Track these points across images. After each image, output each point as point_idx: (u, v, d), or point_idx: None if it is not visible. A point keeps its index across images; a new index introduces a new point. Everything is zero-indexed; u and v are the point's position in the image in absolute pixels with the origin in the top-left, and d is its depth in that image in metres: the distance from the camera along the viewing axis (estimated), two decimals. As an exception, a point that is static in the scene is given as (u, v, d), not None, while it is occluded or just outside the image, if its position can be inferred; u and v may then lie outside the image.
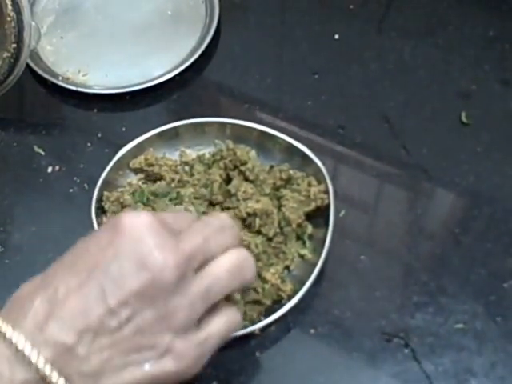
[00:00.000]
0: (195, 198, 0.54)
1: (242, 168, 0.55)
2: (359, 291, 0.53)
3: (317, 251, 0.52)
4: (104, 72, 0.66)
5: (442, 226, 0.56)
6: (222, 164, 0.56)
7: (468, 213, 0.56)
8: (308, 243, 0.54)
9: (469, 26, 0.67)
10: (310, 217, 0.54)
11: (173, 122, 0.58)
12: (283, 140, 0.57)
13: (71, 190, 0.59)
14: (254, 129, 0.58)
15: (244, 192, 0.53)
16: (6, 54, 0.60)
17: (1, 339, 0.36)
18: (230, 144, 0.56)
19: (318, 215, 0.54)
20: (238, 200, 0.53)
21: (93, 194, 0.55)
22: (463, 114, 0.60)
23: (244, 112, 0.63)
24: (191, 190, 0.54)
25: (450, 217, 0.56)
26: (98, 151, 0.61)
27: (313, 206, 0.53)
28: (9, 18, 0.59)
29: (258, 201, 0.52)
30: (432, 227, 0.56)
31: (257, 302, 0.50)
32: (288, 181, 0.55)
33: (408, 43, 0.66)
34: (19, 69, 0.61)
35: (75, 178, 0.60)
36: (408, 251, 0.54)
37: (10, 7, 0.58)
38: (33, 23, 0.61)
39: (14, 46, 0.60)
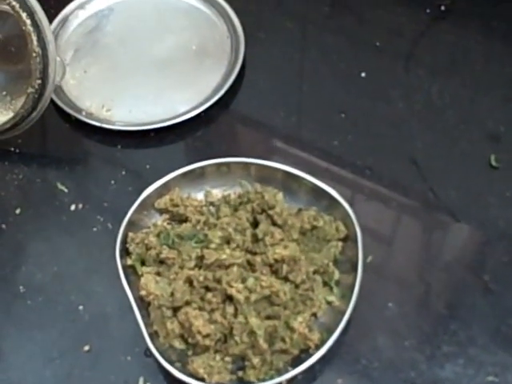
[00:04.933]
0: (226, 243, 0.53)
1: (270, 212, 0.54)
2: (387, 340, 0.52)
3: (345, 297, 0.51)
4: (128, 108, 0.65)
5: (471, 272, 0.55)
6: (249, 207, 0.55)
7: (498, 259, 0.55)
8: (335, 289, 0.53)
9: (496, 64, 0.66)
10: (336, 262, 0.54)
11: (197, 159, 0.58)
12: (309, 181, 0.56)
13: (95, 229, 0.59)
14: (279, 169, 0.57)
15: (272, 237, 0.52)
16: (30, 90, 0.59)
17: None
18: (258, 187, 0.56)
19: (345, 260, 0.53)
20: (265, 245, 0.52)
21: (117, 232, 0.54)
22: (492, 157, 0.59)
23: (269, 150, 0.63)
24: (219, 233, 0.53)
25: (479, 263, 0.55)
26: (121, 189, 0.61)
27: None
28: (34, 54, 0.58)
29: (285, 247, 0.52)
30: (461, 274, 0.55)
31: (284, 352, 0.50)
32: (315, 227, 0.54)
33: (435, 82, 0.65)
34: (43, 104, 0.61)
35: (98, 217, 0.59)
36: (436, 299, 0.53)
37: (35, 43, 0.58)
38: (58, 59, 0.60)
39: (39, 81, 0.59)
